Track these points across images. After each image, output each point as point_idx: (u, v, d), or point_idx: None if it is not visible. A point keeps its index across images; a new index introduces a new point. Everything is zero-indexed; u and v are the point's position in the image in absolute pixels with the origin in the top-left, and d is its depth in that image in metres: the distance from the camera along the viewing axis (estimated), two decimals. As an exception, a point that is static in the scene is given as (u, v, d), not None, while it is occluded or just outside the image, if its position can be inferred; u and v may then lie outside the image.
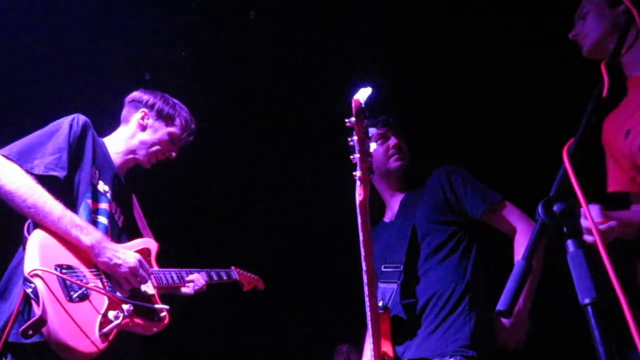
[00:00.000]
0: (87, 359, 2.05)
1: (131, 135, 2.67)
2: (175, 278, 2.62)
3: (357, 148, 1.94)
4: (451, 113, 4.30)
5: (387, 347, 2.38)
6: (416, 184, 2.70)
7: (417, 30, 3.98)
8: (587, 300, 1.14)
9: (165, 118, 2.70)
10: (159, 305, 2.34)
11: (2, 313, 2.13)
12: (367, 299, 2.18)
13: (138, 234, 2.64)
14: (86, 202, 2.34)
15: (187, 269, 2.73)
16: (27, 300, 2.06)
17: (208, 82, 4.11)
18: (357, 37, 4.06)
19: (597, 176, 2.19)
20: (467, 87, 4.15)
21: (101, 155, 2.50)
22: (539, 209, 1.26)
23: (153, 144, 2.67)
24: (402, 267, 2.49)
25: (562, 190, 1.32)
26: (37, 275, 2.03)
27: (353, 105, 1.92)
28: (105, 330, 2.09)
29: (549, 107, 3.94)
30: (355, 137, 1.94)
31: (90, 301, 2.12)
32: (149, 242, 2.58)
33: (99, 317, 2.11)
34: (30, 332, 1.94)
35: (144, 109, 2.70)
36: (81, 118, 2.45)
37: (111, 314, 2.14)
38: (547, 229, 1.25)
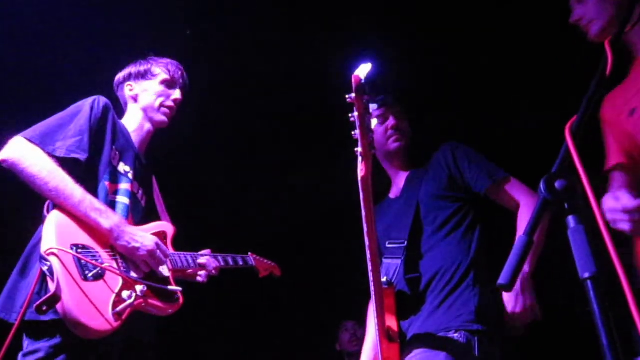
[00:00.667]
0: (101, 337, 2.09)
1: (134, 110, 2.69)
2: (190, 261, 2.64)
3: (357, 124, 1.95)
4: (456, 89, 4.29)
5: (391, 322, 2.40)
6: (422, 160, 2.71)
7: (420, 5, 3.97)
8: (586, 275, 1.17)
9: (144, 75, 2.72)
10: (172, 287, 2.36)
11: (21, 290, 2.18)
12: (370, 274, 2.21)
13: (156, 216, 2.68)
14: (104, 184, 2.36)
15: (200, 253, 2.74)
16: (44, 279, 2.11)
17: (207, 66, 4.12)
18: (360, 12, 4.05)
19: (600, 154, 2.19)
20: (473, 64, 4.14)
21: (121, 136, 2.52)
22: (541, 185, 1.28)
23: (154, 100, 2.67)
24: (406, 243, 2.51)
25: (564, 167, 1.35)
26: (53, 254, 2.07)
27: (353, 81, 1.91)
28: (118, 309, 2.13)
29: (553, 84, 3.93)
30: (355, 113, 1.94)
31: (104, 281, 2.16)
32: (166, 226, 2.60)
33: (113, 296, 2.15)
34: (45, 308, 1.98)
35: (126, 83, 2.73)
36: (102, 100, 2.47)
37: (125, 294, 2.18)
38: (548, 204, 1.27)
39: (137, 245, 2.30)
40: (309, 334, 5.45)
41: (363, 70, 1.94)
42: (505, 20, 3.91)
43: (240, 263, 3.01)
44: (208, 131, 4.60)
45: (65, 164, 2.25)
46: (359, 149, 1.99)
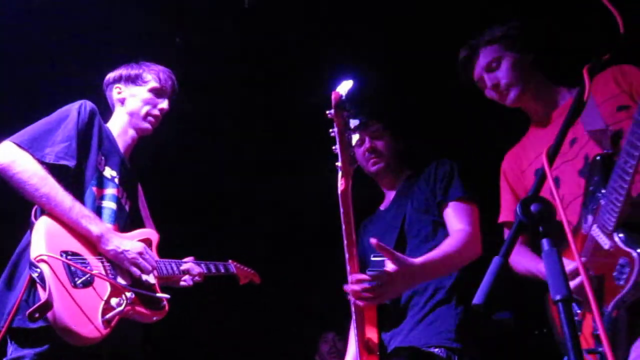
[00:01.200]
0: (90, 344, 2.09)
1: (120, 114, 2.68)
2: (174, 268, 2.65)
3: (337, 139, 1.98)
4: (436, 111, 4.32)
5: (372, 334, 2.42)
6: (416, 171, 2.72)
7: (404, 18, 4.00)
8: (558, 297, 1.21)
9: (134, 80, 2.69)
10: (160, 295, 2.38)
11: (9, 298, 2.17)
12: None
13: (140, 222, 2.68)
14: (91, 190, 2.38)
15: (184, 261, 2.75)
16: (32, 287, 2.12)
17: (197, 75, 4.14)
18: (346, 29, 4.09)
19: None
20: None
21: (107, 141, 2.52)
22: (517, 208, 1.32)
23: (140, 107, 2.66)
24: None
25: (540, 191, 1.39)
26: (43, 261, 2.08)
27: (332, 98, 1.94)
28: (108, 316, 2.14)
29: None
30: (335, 129, 1.97)
31: (93, 288, 2.17)
32: (151, 233, 2.61)
33: (102, 304, 2.16)
34: (37, 315, 1.98)
35: (115, 85, 2.71)
36: (88, 104, 2.47)
37: (113, 301, 2.19)
38: (523, 227, 1.31)
39: (125, 252, 2.31)
40: (291, 344, 5.45)
41: (344, 87, 1.96)
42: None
43: (222, 270, 3.03)
44: (189, 137, 4.60)
45: (54, 169, 2.26)
46: (339, 164, 2.02)
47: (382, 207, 2.82)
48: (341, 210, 2.08)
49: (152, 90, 2.68)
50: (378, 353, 2.40)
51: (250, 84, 4.46)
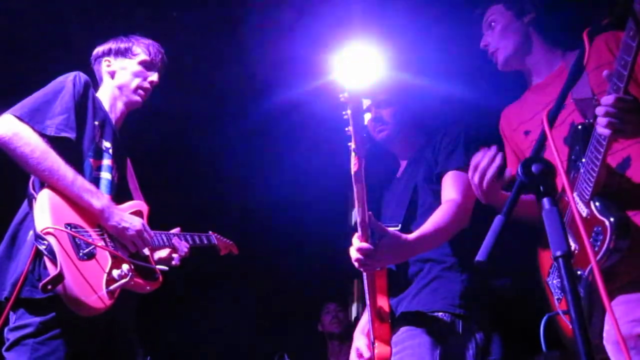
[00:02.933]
0: (96, 314, 2.15)
1: (109, 87, 2.68)
2: (165, 240, 2.70)
3: (351, 122, 1.98)
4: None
5: (383, 302, 2.45)
6: (430, 139, 2.69)
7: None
8: (558, 253, 1.25)
9: (124, 53, 2.70)
10: (160, 266, 2.44)
11: (10, 268, 2.21)
12: None
13: (128, 194, 2.69)
14: (88, 161, 2.40)
15: (171, 232, 2.79)
16: (37, 258, 2.16)
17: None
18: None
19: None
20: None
21: (101, 112, 2.54)
22: (519, 168, 1.35)
23: (131, 80, 2.66)
24: (399, 226, 2.56)
25: (541, 152, 1.42)
26: (49, 233, 2.12)
27: (349, 86, 1.94)
28: (111, 287, 2.19)
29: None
30: (349, 111, 1.96)
31: (96, 259, 2.22)
32: (141, 205, 2.65)
33: (105, 275, 2.21)
34: (50, 287, 2.03)
35: (105, 58, 2.71)
36: (82, 76, 2.48)
37: (115, 273, 2.24)
38: (525, 187, 1.34)
39: (126, 225, 2.37)
40: (294, 315, 5.53)
41: (364, 77, 1.97)
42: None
43: (205, 242, 3.09)
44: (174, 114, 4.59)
45: (54, 141, 2.26)
46: (352, 145, 2.03)
47: (398, 174, 2.83)
48: (355, 190, 2.10)
49: (142, 63, 2.69)
50: (389, 321, 2.45)
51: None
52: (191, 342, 5.53)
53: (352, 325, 4.67)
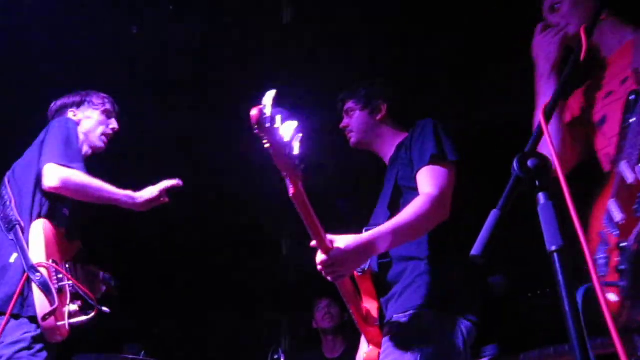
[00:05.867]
0: (58, 341, 2.50)
1: (80, 134, 2.95)
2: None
3: (271, 152, 1.90)
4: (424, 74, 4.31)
5: (371, 305, 2.45)
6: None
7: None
8: (553, 248, 1.24)
9: (86, 103, 3.05)
10: (104, 308, 2.68)
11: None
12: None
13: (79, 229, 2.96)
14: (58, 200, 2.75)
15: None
16: (26, 282, 2.48)
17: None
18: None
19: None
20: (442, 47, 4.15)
21: None
22: (514, 163, 1.34)
23: (96, 127, 3.02)
24: None
25: (537, 146, 1.41)
26: (43, 266, 2.49)
27: (252, 117, 1.81)
28: (72, 321, 2.52)
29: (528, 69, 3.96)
30: (266, 145, 1.88)
31: (63, 294, 2.55)
32: (77, 243, 2.91)
33: (67, 308, 2.53)
34: (47, 318, 2.41)
35: (70, 109, 3.03)
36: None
37: (72, 307, 2.55)
38: (520, 182, 1.33)
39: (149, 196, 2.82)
40: (286, 311, 5.54)
41: (266, 99, 1.84)
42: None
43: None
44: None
45: None
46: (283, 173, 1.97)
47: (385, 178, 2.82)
48: (300, 214, 2.06)
49: (104, 112, 3.06)
50: (377, 323, 2.44)
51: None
52: (185, 337, 5.53)
53: (346, 321, 4.68)
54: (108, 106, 3.09)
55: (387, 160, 2.74)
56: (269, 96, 1.84)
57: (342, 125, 2.80)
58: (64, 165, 2.64)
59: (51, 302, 2.43)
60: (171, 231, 5.19)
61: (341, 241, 2.17)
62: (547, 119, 1.46)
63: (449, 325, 2.28)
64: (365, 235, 2.23)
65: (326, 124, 2.96)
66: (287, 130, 1.90)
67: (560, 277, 1.23)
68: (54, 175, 2.60)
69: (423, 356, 2.20)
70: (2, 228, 2.62)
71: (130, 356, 3.74)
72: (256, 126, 1.81)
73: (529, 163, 1.33)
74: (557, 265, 1.23)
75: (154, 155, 4.74)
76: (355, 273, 2.46)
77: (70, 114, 3.01)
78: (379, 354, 2.40)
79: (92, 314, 2.59)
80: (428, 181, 2.35)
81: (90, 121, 3.02)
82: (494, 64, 4.08)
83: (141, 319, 4.76)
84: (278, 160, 1.92)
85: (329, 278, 2.20)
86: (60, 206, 2.74)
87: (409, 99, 2.92)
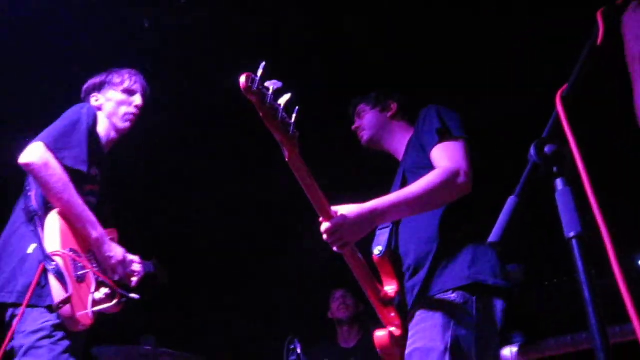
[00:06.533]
0: (82, 330, 2.46)
1: (101, 118, 2.88)
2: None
3: (262, 116, 1.91)
4: (443, 56, 4.29)
5: (389, 287, 2.44)
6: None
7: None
8: (572, 234, 1.23)
9: (106, 85, 2.93)
10: (132, 295, 2.63)
11: (15, 278, 2.48)
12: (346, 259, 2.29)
13: (104, 219, 2.85)
14: (81, 187, 2.63)
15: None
16: (43, 272, 2.43)
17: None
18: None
19: (589, 120, 2.22)
20: (458, 31, 4.13)
21: (97, 144, 2.79)
22: (531, 149, 1.33)
23: (117, 109, 2.90)
24: None
25: (554, 133, 1.40)
26: (58, 255, 2.43)
27: (240, 83, 1.82)
28: (96, 309, 2.48)
29: (544, 53, 3.94)
30: (260, 113, 1.90)
31: (86, 282, 2.52)
32: (114, 231, 2.90)
33: (91, 297, 2.50)
34: (61, 306, 2.35)
35: (92, 95, 2.93)
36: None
37: (97, 295, 2.52)
38: (537, 168, 1.32)
39: (111, 254, 2.66)
40: (301, 303, 5.55)
41: (258, 69, 1.87)
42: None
43: (151, 269, 3.16)
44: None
45: (66, 169, 2.53)
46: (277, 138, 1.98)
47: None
48: (300, 182, 2.07)
49: (124, 91, 2.93)
50: (395, 305, 2.43)
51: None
52: (202, 327, 5.57)
53: (362, 311, 4.69)
54: (129, 83, 2.94)
55: (399, 156, 2.74)
56: (260, 67, 1.86)
57: (354, 127, 2.83)
58: (49, 149, 2.50)
59: (65, 291, 2.36)
60: (191, 224, 5.24)
61: (344, 209, 2.19)
62: (565, 105, 1.44)
63: (481, 308, 2.25)
64: (369, 203, 2.23)
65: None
66: (280, 97, 1.93)
67: (579, 264, 1.22)
68: (32, 152, 2.48)
69: (454, 341, 2.18)
70: (23, 219, 2.59)
71: (147, 347, 3.78)
72: (245, 90, 1.83)
73: (546, 149, 1.33)
74: (576, 251, 1.22)
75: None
76: (374, 256, 2.47)
77: (92, 100, 2.92)
78: (390, 334, 2.40)
79: (115, 300, 2.54)
80: (441, 157, 2.34)
81: (111, 103, 2.90)
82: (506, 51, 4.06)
83: (157, 311, 4.78)
84: (270, 124, 1.93)
85: (334, 248, 2.21)
86: (84, 195, 2.63)
87: (419, 96, 2.92)
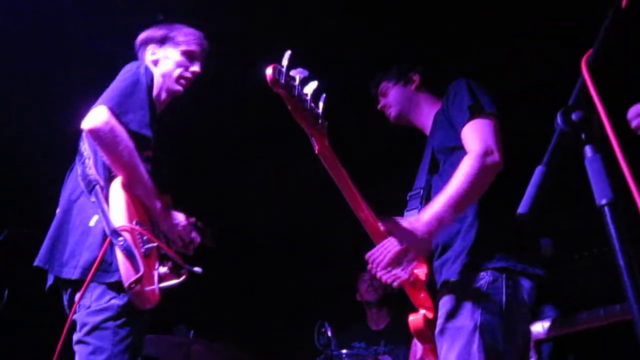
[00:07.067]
0: (150, 307, 2.30)
1: (156, 75, 2.66)
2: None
3: (289, 108, 1.89)
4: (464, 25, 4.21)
5: (421, 271, 2.43)
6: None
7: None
8: (604, 201, 1.20)
9: (167, 41, 2.71)
10: (196, 268, 2.44)
11: (79, 253, 2.29)
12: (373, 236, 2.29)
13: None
14: (141, 154, 2.44)
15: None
16: (111, 248, 2.26)
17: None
18: None
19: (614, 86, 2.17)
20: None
21: (153, 105, 2.56)
22: (558, 117, 1.30)
23: (173, 69, 2.68)
24: (422, 192, 2.53)
25: (580, 99, 1.36)
26: (126, 230, 2.25)
27: (267, 76, 1.80)
28: (162, 285, 2.32)
29: (569, 16, 3.86)
30: (288, 106, 1.89)
31: (151, 257, 2.34)
32: (167, 199, 2.69)
33: (156, 273, 2.33)
34: (133, 286, 2.19)
35: (150, 46, 2.72)
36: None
37: (162, 270, 2.36)
38: (565, 136, 1.29)
39: (177, 222, 2.50)
40: (329, 286, 5.55)
41: (284, 60, 1.85)
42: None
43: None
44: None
45: (130, 134, 2.34)
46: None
47: None
48: (328, 170, 2.05)
49: (185, 53, 2.70)
50: (425, 288, 2.42)
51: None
52: (231, 315, 5.61)
53: (390, 293, 4.68)
54: (192, 47, 2.71)
55: (427, 131, 2.70)
56: (286, 56, 1.84)
57: (379, 106, 2.79)
58: (113, 114, 2.31)
59: (136, 269, 2.17)
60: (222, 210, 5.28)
61: (400, 231, 2.11)
62: (591, 70, 1.40)
63: (510, 285, 2.23)
64: (421, 220, 2.17)
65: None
66: (308, 87, 1.90)
67: (612, 232, 1.19)
68: (96, 117, 2.28)
69: (483, 320, 2.16)
70: (83, 190, 2.39)
71: (180, 338, 3.82)
72: (272, 83, 1.81)
73: (573, 116, 1.29)
74: (609, 219, 1.19)
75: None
76: None
77: (148, 52, 2.72)
78: (425, 317, 2.38)
79: (183, 277, 2.36)
80: (471, 138, 2.30)
81: (168, 62, 2.68)
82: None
83: (191, 301, 4.83)
84: (297, 116, 1.92)
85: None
86: (143, 162, 2.44)
87: (441, 66, 2.87)
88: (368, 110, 2.96)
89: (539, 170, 1.26)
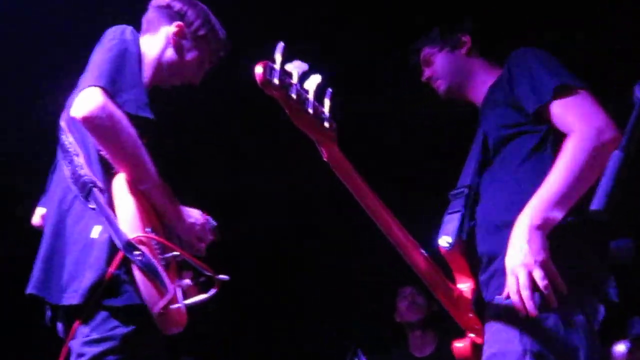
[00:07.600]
0: (179, 330, 2.11)
1: (159, 51, 2.48)
2: None
3: (287, 113, 1.77)
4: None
5: (465, 285, 2.31)
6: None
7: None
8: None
9: (201, 40, 2.51)
10: (222, 276, 2.20)
11: (79, 273, 2.10)
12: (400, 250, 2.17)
13: None
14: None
15: None
16: (125, 264, 2.06)
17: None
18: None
19: None
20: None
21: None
22: (636, 89, 1.22)
23: (181, 68, 2.50)
24: (467, 191, 2.41)
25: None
26: (141, 242, 2.05)
27: (257, 76, 1.65)
28: (188, 302, 2.10)
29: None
30: (285, 110, 1.76)
31: (171, 268, 2.14)
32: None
33: (179, 288, 2.12)
34: (163, 313, 2.00)
35: (181, 23, 2.48)
36: (135, 34, 2.33)
37: (184, 282, 2.16)
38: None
39: (192, 220, 2.30)
40: (367, 300, 5.50)
41: (275, 56, 1.70)
42: None
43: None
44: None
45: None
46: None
47: None
48: (342, 180, 1.95)
49: (202, 59, 2.53)
50: (472, 307, 2.29)
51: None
52: (243, 344, 5.62)
53: (436, 312, 4.54)
54: (211, 55, 2.55)
55: (479, 103, 2.54)
56: (278, 49, 1.71)
57: (424, 78, 2.64)
58: (105, 91, 2.09)
59: (162, 288, 2.00)
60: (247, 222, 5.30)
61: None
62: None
63: (569, 306, 2.05)
64: (525, 210, 2.02)
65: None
66: (308, 83, 1.80)
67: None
68: (90, 102, 2.06)
69: (533, 346, 2.02)
70: (77, 195, 2.17)
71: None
72: (263, 85, 1.68)
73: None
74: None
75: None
76: (441, 249, 2.32)
77: (173, 26, 2.48)
78: (472, 343, 2.28)
79: (214, 290, 2.14)
80: (569, 117, 2.11)
81: (180, 57, 2.46)
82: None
83: (198, 329, 4.85)
84: (298, 121, 1.80)
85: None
86: None
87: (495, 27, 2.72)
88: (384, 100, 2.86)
89: (615, 157, 1.16)
